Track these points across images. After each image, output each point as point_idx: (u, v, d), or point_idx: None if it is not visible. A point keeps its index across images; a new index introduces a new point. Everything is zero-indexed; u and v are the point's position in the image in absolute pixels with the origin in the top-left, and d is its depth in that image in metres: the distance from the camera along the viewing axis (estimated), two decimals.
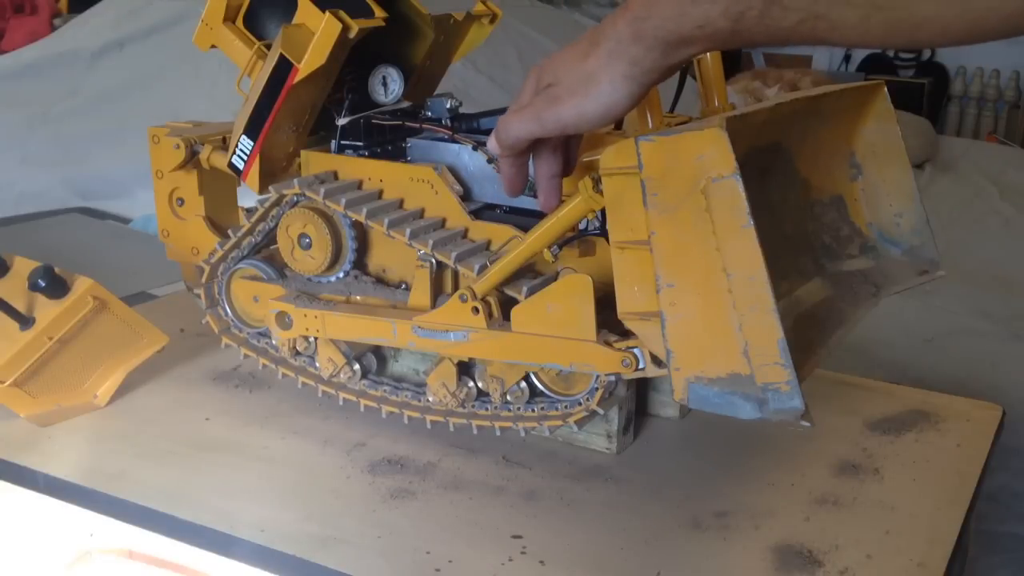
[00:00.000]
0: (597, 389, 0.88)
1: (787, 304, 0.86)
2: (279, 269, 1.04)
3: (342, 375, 1.01)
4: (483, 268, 0.88)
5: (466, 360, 0.95)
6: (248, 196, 1.06)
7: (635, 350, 0.83)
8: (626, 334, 0.82)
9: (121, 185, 2.23)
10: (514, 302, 0.87)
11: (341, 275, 1.00)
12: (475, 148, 0.94)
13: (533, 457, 0.97)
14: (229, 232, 1.04)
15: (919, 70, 4.72)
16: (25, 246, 1.17)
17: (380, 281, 1.00)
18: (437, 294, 0.95)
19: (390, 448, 0.99)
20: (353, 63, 0.98)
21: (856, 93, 0.92)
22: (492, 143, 0.80)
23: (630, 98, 0.71)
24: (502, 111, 1.00)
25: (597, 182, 0.77)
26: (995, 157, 3.04)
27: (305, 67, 0.92)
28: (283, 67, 0.93)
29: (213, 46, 1.07)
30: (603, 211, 0.79)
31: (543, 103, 0.73)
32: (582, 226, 0.85)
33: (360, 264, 1.01)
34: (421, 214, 0.95)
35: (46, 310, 1.02)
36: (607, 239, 0.77)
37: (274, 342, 1.03)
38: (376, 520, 0.87)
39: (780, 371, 0.68)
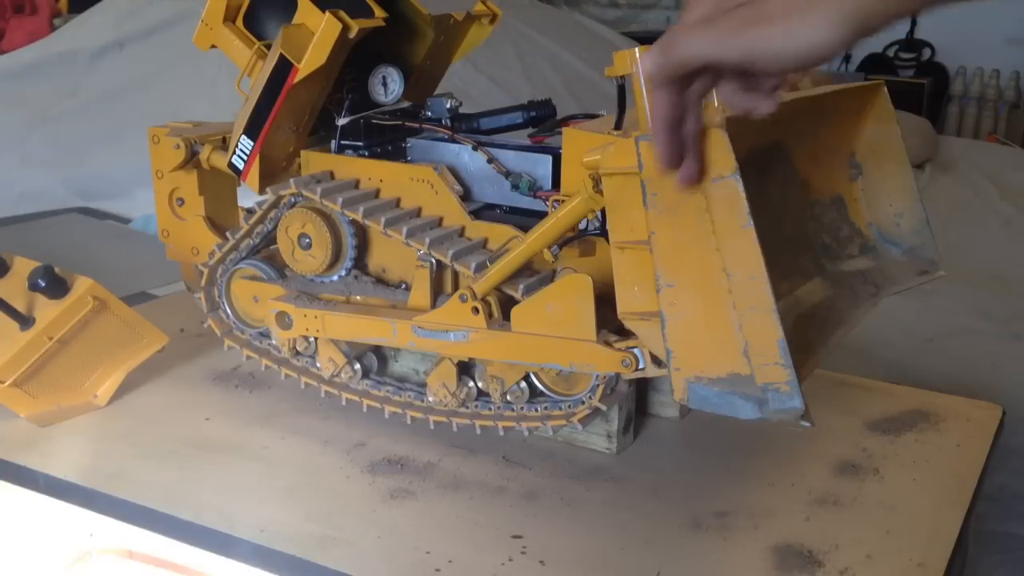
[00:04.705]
0: (598, 386, 0.88)
1: (787, 304, 0.85)
2: (279, 269, 1.04)
3: (343, 375, 1.01)
4: (481, 267, 0.88)
5: (466, 360, 0.95)
6: (248, 196, 1.06)
7: (635, 350, 0.83)
8: (626, 334, 0.82)
9: (121, 185, 2.23)
10: (514, 302, 0.87)
11: (342, 275, 1.00)
12: (475, 148, 0.94)
13: (533, 457, 0.97)
14: (228, 235, 1.04)
15: (919, 70, 4.72)
16: (25, 246, 1.17)
17: (380, 281, 1.00)
18: (437, 294, 0.95)
19: (390, 448, 0.99)
20: (353, 63, 0.98)
21: (856, 93, 0.92)
22: (650, 60, 0.60)
23: (841, 47, 0.56)
24: (502, 111, 1.01)
25: (597, 182, 0.77)
26: (995, 157, 3.03)
27: (305, 67, 0.92)
28: (283, 67, 0.93)
29: (213, 46, 1.07)
30: (603, 211, 0.79)
31: (739, 21, 0.57)
32: (582, 226, 0.85)
33: (360, 264, 1.01)
34: (419, 213, 0.95)
35: (46, 310, 1.02)
36: (607, 239, 0.77)
37: (274, 342, 1.03)
38: (376, 520, 0.87)
39: (780, 371, 0.68)
